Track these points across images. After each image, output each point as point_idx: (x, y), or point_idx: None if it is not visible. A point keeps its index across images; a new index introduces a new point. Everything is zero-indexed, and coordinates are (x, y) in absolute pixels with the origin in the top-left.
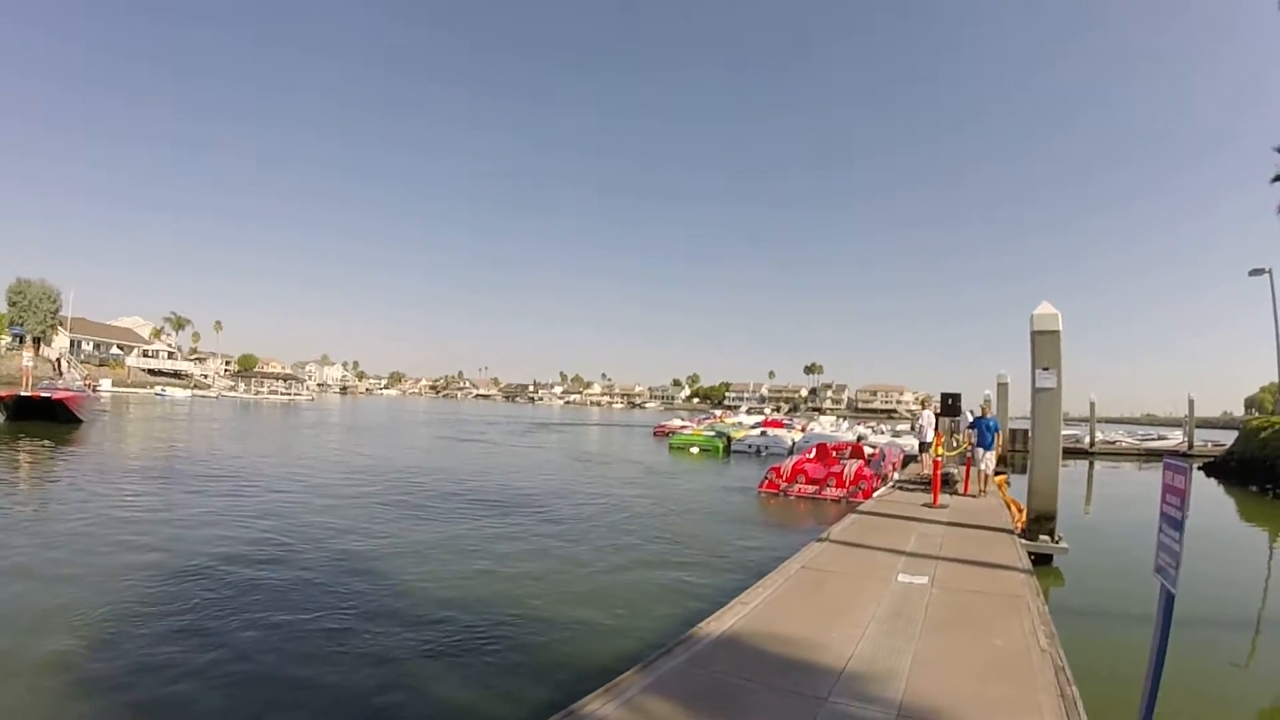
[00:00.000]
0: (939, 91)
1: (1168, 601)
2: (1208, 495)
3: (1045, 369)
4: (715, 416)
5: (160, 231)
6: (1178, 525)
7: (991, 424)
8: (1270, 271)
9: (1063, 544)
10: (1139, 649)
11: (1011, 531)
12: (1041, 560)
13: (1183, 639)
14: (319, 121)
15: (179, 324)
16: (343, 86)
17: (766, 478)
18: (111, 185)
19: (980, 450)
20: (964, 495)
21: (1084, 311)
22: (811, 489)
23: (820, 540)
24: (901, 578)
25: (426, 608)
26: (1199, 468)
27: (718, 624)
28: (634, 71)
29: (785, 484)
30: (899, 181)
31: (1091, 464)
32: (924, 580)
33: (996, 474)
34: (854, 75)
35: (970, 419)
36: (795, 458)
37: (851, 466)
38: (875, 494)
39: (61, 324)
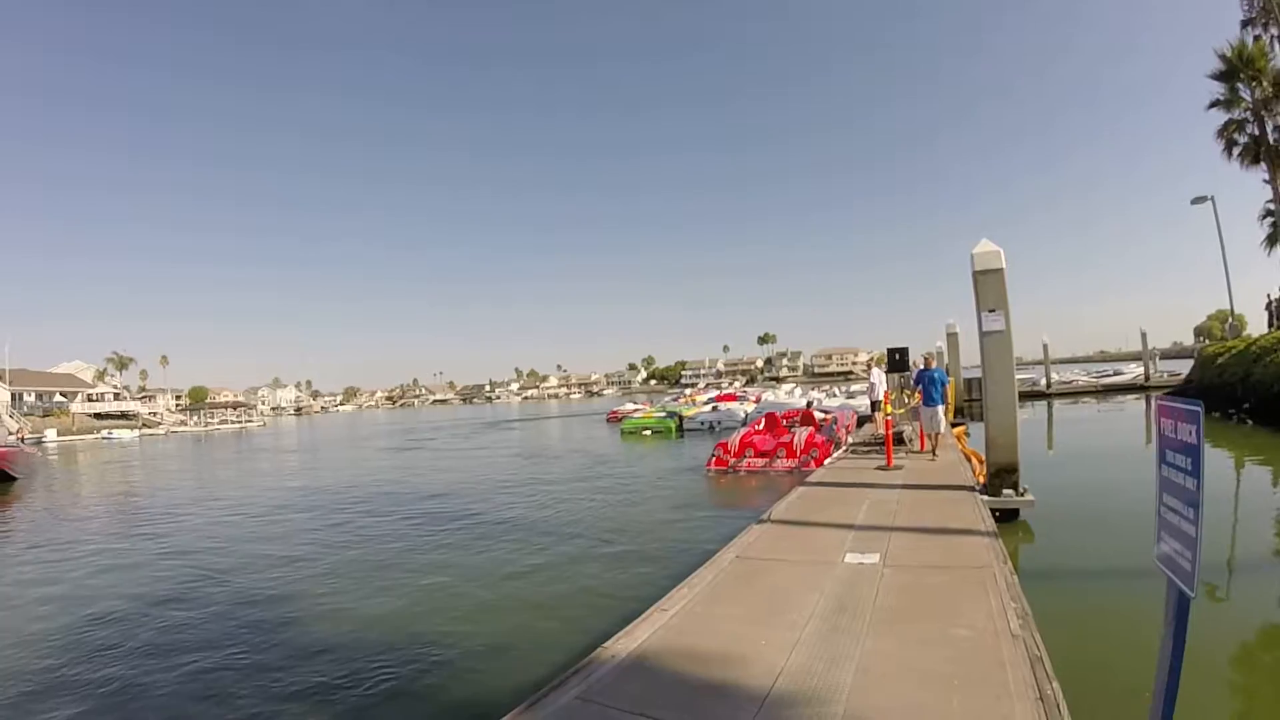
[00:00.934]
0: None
1: (1179, 604)
2: None
3: (992, 311)
4: (686, 396)
5: (95, 275)
6: (1190, 497)
7: (937, 376)
8: (1212, 199)
9: (1028, 496)
10: (1124, 611)
11: (973, 488)
12: (1007, 516)
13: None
14: (241, 151)
15: (121, 364)
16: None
17: (714, 454)
18: (38, 232)
19: (928, 408)
20: (920, 453)
21: (1032, 264)
22: (761, 462)
23: (760, 522)
24: (850, 558)
25: (312, 640)
26: (1157, 399)
27: (628, 640)
28: (547, 66)
29: (734, 459)
30: (850, 154)
31: (1050, 405)
32: (875, 559)
33: (955, 425)
34: (787, 58)
35: (915, 373)
36: (743, 431)
37: (802, 435)
38: (827, 461)
39: (0, 378)
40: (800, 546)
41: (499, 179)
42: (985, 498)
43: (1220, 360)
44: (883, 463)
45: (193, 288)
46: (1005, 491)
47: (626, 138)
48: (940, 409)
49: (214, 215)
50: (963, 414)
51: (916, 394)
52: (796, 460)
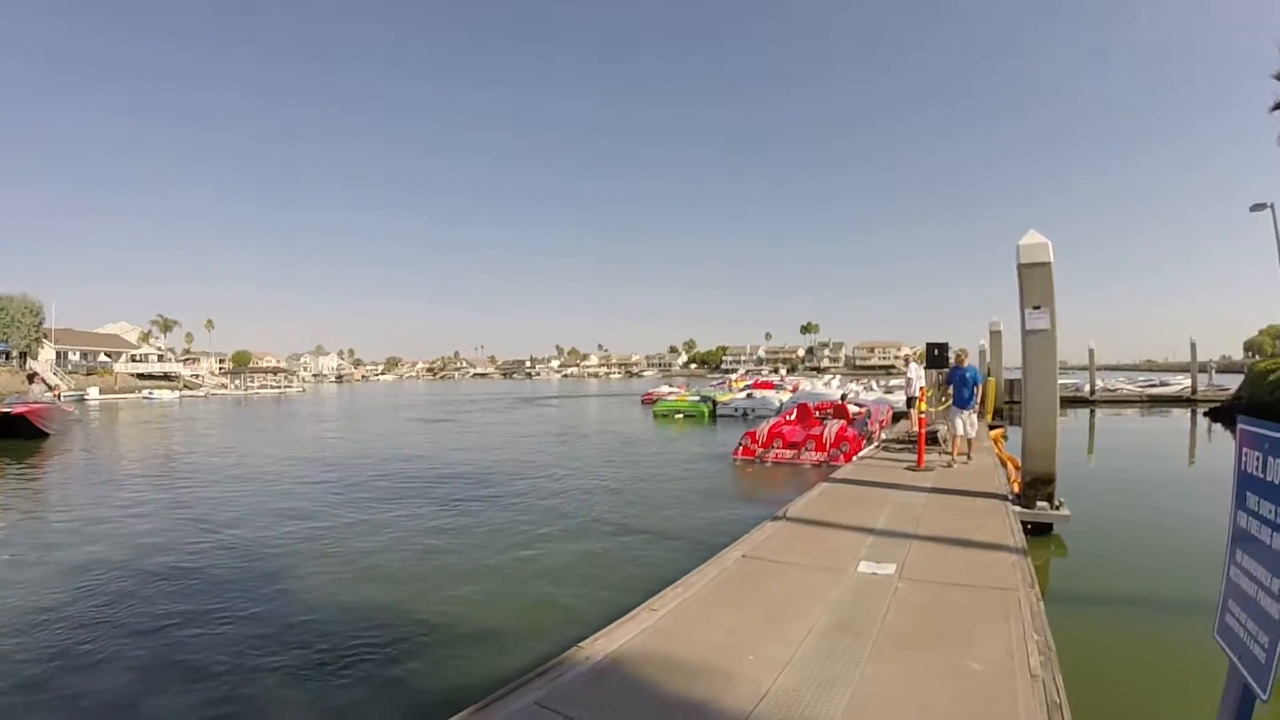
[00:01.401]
0: (936, 49)
1: (1242, 702)
2: (1216, 442)
3: (1036, 308)
4: (730, 381)
5: (144, 237)
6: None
7: (969, 375)
8: (1272, 206)
9: (1063, 510)
10: (1163, 654)
11: (1005, 497)
12: (1040, 529)
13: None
14: (300, 119)
15: (166, 326)
16: (325, 84)
17: (741, 444)
18: (88, 197)
19: (957, 410)
20: (954, 454)
21: (1083, 267)
22: (789, 453)
23: (775, 519)
24: (864, 566)
25: (298, 615)
26: (1204, 413)
27: (606, 642)
28: (623, 46)
29: (761, 449)
30: (898, 142)
31: (1092, 413)
32: (890, 570)
33: (993, 427)
34: (841, 35)
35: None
36: (773, 420)
37: (832, 428)
38: (856, 457)
39: (46, 336)
40: (812, 549)
41: (548, 156)
42: (1018, 509)
43: (1272, 377)
44: (913, 463)
45: (241, 253)
46: (1040, 504)
47: (695, 120)
48: (971, 412)
49: (267, 184)
50: (1002, 416)
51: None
52: (825, 454)
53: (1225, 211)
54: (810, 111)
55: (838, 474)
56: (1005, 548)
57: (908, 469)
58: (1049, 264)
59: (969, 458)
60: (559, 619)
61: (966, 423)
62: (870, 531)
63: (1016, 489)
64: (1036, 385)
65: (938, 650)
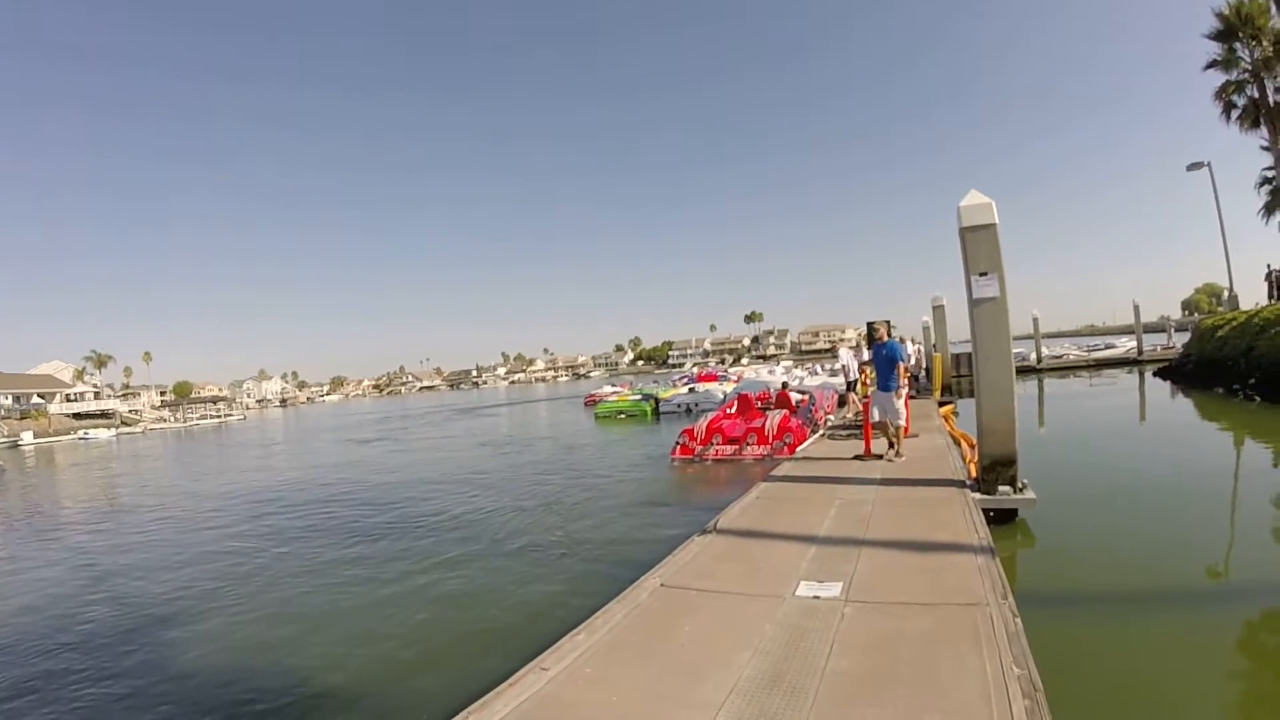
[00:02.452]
0: (869, 36)
1: None
2: (1174, 402)
3: (983, 274)
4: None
5: (75, 277)
6: None
7: (892, 351)
8: (1209, 164)
9: (1028, 493)
10: (1158, 650)
11: (962, 483)
12: (1003, 516)
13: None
14: (224, 142)
15: (100, 362)
16: (244, 107)
17: (678, 442)
18: (11, 237)
19: (881, 394)
20: (905, 438)
21: (1019, 239)
22: (730, 449)
23: (704, 532)
24: (804, 589)
25: (180, 665)
26: (1154, 373)
27: (483, 715)
28: (573, 52)
29: (700, 447)
30: (836, 129)
31: (1040, 382)
32: (835, 591)
33: (941, 404)
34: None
35: (863, 353)
36: (710, 415)
37: (774, 419)
38: (800, 448)
39: None
40: (744, 570)
41: (480, 163)
42: (978, 496)
43: (1220, 333)
44: (860, 450)
45: (177, 284)
46: (1001, 489)
47: (613, 120)
48: (894, 395)
49: (197, 210)
50: (951, 391)
51: (904, 372)
52: (769, 447)
53: (1156, 176)
54: (749, 101)
55: (778, 471)
56: (969, 548)
57: (855, 458)
58: (993, 225)
59: (898, 452)
60: (438, 682)
61: (888, 409)
62: (813, 540)
63: (974, 472)
64: (989, 358)
65: (895, 705)
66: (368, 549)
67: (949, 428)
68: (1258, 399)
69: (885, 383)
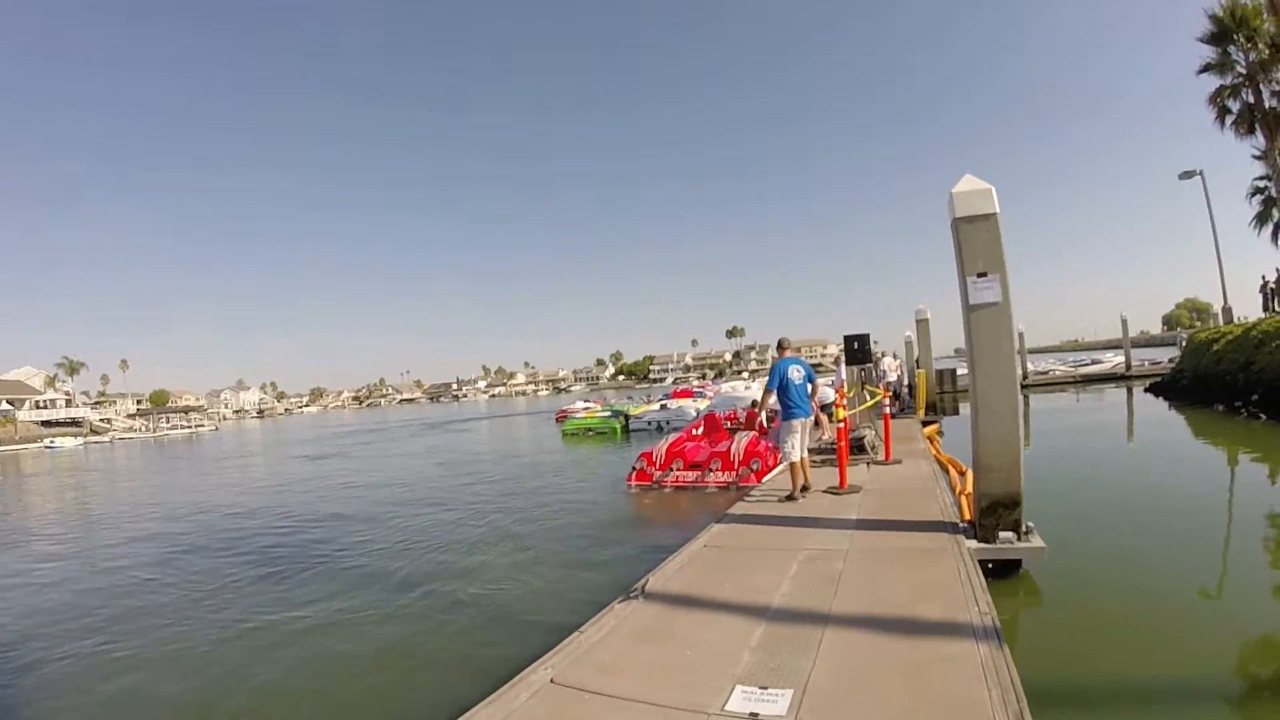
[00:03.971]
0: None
1: None
2: (1173, 420)
3: (981, 275)
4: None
5: (50, 282)
6: None
7: (798, 375)
8: (1201, 173)
9: (1035, 541)
10: None
11: (954, 526)
12: (1003, 566)
13: None
14: (206, 149)
15: (73, 369)
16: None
17: (635, 467)
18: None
19: (785, 423)
20: (886, 463)
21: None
22: (692, 475)
23: (627, 599)
24: (738, 698)
25: None
26: (1145, 389)
27: None
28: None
29: (659, 472)
30: (815, 142)
31: (1027, 399)
32: (781, 704)
33: (925, 424)
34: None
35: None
36: (672, 437)
37: (741, 441)
38: (768, 476)
39: None
40: (664, 661)
41: (462, 175)
42: (974, 545)
43: (1216, 347)
44: (835, 483)
45: (157, 292)
46: (1003, 535)
47: (603, 129)
48: (803, 422)
49: (180, 217)
50: (935, 409)
51: (884, 391)
52: (734, 473)
53: (1134, 189)
54: (724, 114)
55: (737, 507)
56: (966, 629)
57: (828, 492)
58: (994, 215)
59: (804, 490)
60: None
61: (796, 441)
62: (763, 614)
63: (967, 511)
64: (989, 376)
65: None
66: (233, 594)
67: (934, 451)
68: (1263, 416)
69: (789, 407)
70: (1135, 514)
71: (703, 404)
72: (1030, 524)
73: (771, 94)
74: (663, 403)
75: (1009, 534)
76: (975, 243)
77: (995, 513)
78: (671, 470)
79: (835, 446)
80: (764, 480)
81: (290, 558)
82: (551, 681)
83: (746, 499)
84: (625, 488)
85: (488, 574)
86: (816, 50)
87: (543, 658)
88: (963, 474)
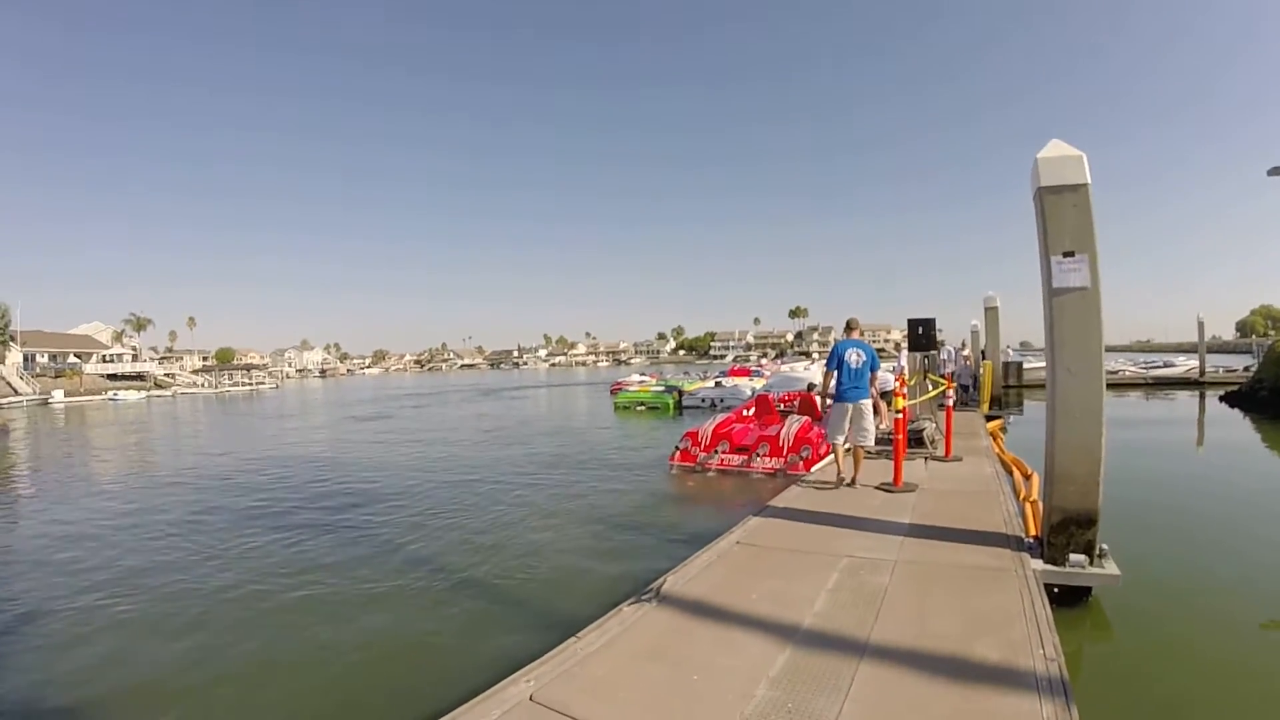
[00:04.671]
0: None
1: None
2: (1254, 433)
3: (1068, 255)
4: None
5: (123, 240)
6: None
7: (855, 358)
8: None
9: (1109, 567)
10: None
11: (1019, 541)
12: (1069, 592)
13: None
14: (284, 119)
15: (139, 325)
16: (313, 82)
17: (679, 447)
18: (67, 198)
19: (841, 405)
20: (946, 459)
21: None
22: (738, 459)
23: (638, 601)
24: None
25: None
26: (1219, 398)
27: None
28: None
29: (703, 454)
30: (894, 130)
31: None
32: None
33: (989, 419)
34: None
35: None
36: (720, 417)
37: (793, 426)
38: (817, 466)
39: (13, 339)
40: (666, 687)
41: (545, 148)
42: (1039, 566)
43: None
44: (889, 479)
45: (232, 252)
46: (1074, 558)
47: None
48: (855, 406)
49: (255, 181)
50: (1001, 404)
51: (948, 380)
52: (783, 460)
53: (1210, 194)
54: (807, 99)
55: (779, 499)
56: (1026, 679)
57: (881, 487)
58: (1085, 186)
59: (854, 480)
60: None
61: (842, 424)
62: (791, 635)
63: (1032, 524)
64: (1072, 373)
65: None
66: (235, 558)
67: (998, 449)
68: None
69: (846, 390)
70: (1221, 538)
71: (759, 383)
72: (1104, 545)
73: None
74: (718, 380)
75: (1081, 557)
76: (1062, 217)
77: (1067, 530)
78: (716, 452)
79: (892, 438)
80: (812, 470)
81: (305, 524)
82: (530, 699)
83: (791, 489)
84: (667, 468)
85: (499, 556)
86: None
87: (527, 667)
88: (1028, 477)
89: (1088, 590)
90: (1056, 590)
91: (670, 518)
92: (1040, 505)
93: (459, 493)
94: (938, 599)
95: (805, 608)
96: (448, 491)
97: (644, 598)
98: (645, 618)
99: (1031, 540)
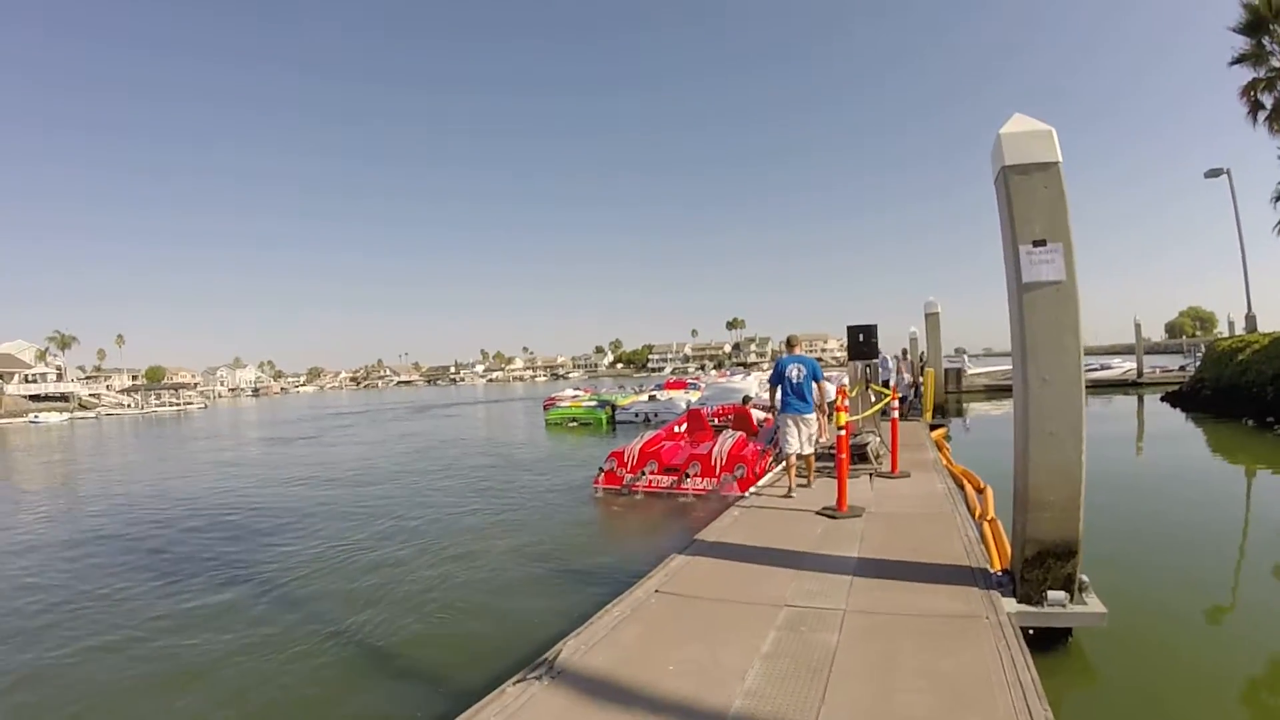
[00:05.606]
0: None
1: None
2: (1199, 434)
3: (1039, 244)
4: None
5: (46, 258)
6: None
7: (796, 373)
8: (1229, 171)
9: (1092, 602)
10: None
11: (985, 574)
12: (1046, 634)
13: None
14: (207, 129)
15: (64, 343)
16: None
17: (603, 468)
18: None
19: (779, 417)
20: (893, 476)
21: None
22: (667, 480)
23: (521, 680)
24: None
25: None
26: (1160, 398)
27: None
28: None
29: (629, 475)
30: (822, 136)
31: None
32: None
33: (933, 428)
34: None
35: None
36: (647, 435)
37: (726, 443)
38: (754, 487)
39: None
40: None
41: (467, 156)
42: (1014, 607)
43: (1241, 357)
44: (831, 502)
45: (156, 268)
46: (1053, 595)
47: (596, 112)
48: (795, 417)
49: (191, 193)
50: (944, 412)
51: (893, 391)
52: (716, 479)
53: (1141, 192)
54: (729, 106)
55: (709, 531)
56: None
57: (823, 513)
58: (1056, 165)
59: (809, 482)
60: None
61: (788, 435)
62: None
63: (994, 544)
64: (1046, 383)
65: None
66: (94, 601)
67: (945, 460)
68: None
69: (790, 401)
70: (1198, 555)
71: (694, 396)
72: (1084, 578)
73: (783, 84)
74: (652, 394)
75: (1060, 594)
76: (1031, 200)
77: (1043, 564)
78: (644, 473)
79: (833, 452)
80: (748, 491)
81: (182, 559)
82: None
83: (725, 516)
84: (591, 491)
85: (387, 599)
86: (818, 46)
87: None
88: (980, 491)
89: (1068, 631)
90: (1032, 633)
91: (588, 552)
92: (999, 524)
93: (361, 525)
94: (899, 662)
95: (734, 683)
96: (343, 525)
97: (532, 675)
98: (531, 703)
99: (999, 574)
